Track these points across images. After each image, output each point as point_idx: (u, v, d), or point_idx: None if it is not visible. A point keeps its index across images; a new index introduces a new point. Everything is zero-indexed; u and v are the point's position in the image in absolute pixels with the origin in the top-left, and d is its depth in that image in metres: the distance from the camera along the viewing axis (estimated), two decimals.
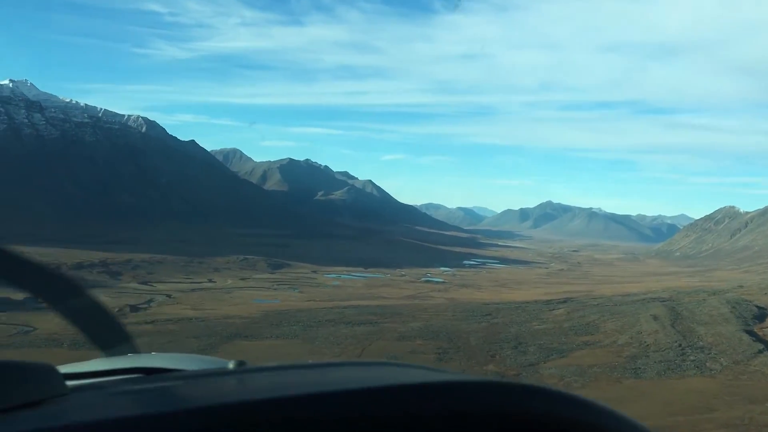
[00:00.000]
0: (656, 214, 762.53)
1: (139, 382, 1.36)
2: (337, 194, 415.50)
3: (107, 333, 2.39)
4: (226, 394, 1.07)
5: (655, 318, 60.92)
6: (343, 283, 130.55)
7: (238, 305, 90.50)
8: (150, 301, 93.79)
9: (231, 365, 1.42)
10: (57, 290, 2.33)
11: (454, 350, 53.72)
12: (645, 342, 54.52)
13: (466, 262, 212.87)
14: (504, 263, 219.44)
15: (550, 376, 46.43)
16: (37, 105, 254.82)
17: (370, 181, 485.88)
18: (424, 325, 64.62)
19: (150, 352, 1.93)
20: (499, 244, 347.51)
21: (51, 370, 1.16)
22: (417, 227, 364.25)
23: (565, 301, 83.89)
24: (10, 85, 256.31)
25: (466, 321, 68.55)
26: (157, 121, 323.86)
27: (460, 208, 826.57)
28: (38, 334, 66.58)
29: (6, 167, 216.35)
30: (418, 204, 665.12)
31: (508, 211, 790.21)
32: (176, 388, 1.17)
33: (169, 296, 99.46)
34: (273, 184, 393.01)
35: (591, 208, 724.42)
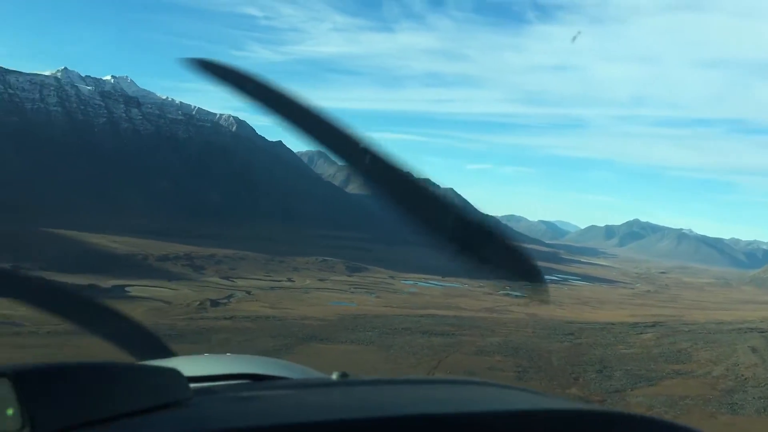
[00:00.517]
0: (752, 238, 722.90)
1: (253, 389, 1.39)
2: None
3: (150, 351, 2.48)
4: (347, 407, 1.07)
5: (754, 350, 56.73)
6: (420, 291, 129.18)
7: (315, 306, 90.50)
8: (230, 296, 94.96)
9: (335, 376, 1.41)
10: (91, 315, 2.49)
11: (534, 369, 51.48)
12: (742, 375, 50.70)
13: (546, 277, 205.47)
14: (587, 281, 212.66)
15: (638, 404, 43.62)
16: (135, 100, 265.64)
17: (452, 189, 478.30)
18: (503, 341, 62.44)
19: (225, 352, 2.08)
20: (582, 260, 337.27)
21: (177, 374, 1.20)
22: None
23: (653, 325, 79.65)
24: (112, 80, 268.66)
25: (548, 339, 65.88)
26: (247, 121, 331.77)
27: (542, 221, 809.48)
28: None
29: (103, 159, 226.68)
30: (500, 215, 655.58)
31: (593, 227, 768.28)
32: (295, 398, 1.19)
33: (248, 293, 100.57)
34: (355, 187, 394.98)
35: (681, 229, 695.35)
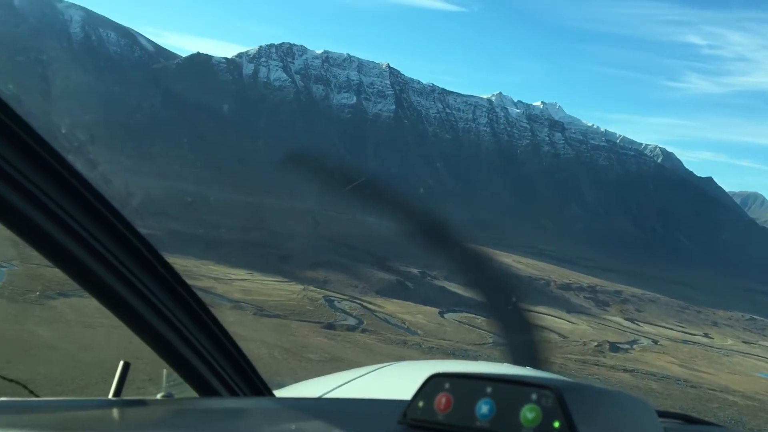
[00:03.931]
0: None
1: None
2: None
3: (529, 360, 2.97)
4: None
5: None
6: None
7: (739, 375, 73.53)
8: (633, 342, 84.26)
9: None
10: (502, 301, 3.13)
11: None
12: None
13: None
14: None
15: None
16: (559, 125, 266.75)
17: None
18: None
19: None
20: None
21: (646, 406, 1.28)
22: None
23: None
24: (541, 106, 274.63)
25: None
26: (675, 154, 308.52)
27: None
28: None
29: (521, 179, 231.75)
30: None
31: None
32: None
33: (655, 342, 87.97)
34: None
35: None
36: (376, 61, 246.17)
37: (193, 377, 1.81)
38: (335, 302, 74.43)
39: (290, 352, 41.49)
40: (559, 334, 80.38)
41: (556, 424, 0.99)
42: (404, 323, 70.74)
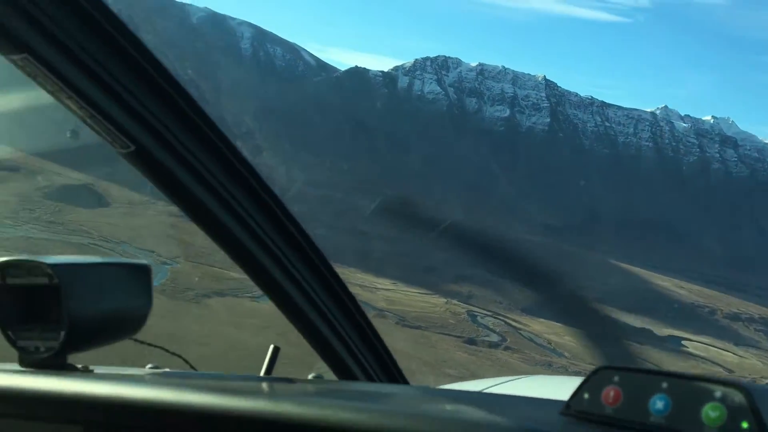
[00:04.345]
0: None
1: None
2: None
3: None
4: None
5: None
6: None
7: None
8: None
9: None
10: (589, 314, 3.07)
11: None
12: None
13: None
14: None
15: None
16: (732, 141, 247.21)
17: None
18: None
19: None
20: None
21: None
22: None
23: None
24: (712, 120, 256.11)
25: None
26: None
27: None
28: None
29: (687, 197, 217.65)
30: None
31: None
32: None
33: None
34: None
35: None
36: (532, 74, 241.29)
37: (339, 366, 1.93)
38: (478, 317, 73.01)
39: (429, 364, 40.81)
40: (725, 368, 73.94)
41: (745, 425, 0.93)
42: (550, 344, 67.90)
